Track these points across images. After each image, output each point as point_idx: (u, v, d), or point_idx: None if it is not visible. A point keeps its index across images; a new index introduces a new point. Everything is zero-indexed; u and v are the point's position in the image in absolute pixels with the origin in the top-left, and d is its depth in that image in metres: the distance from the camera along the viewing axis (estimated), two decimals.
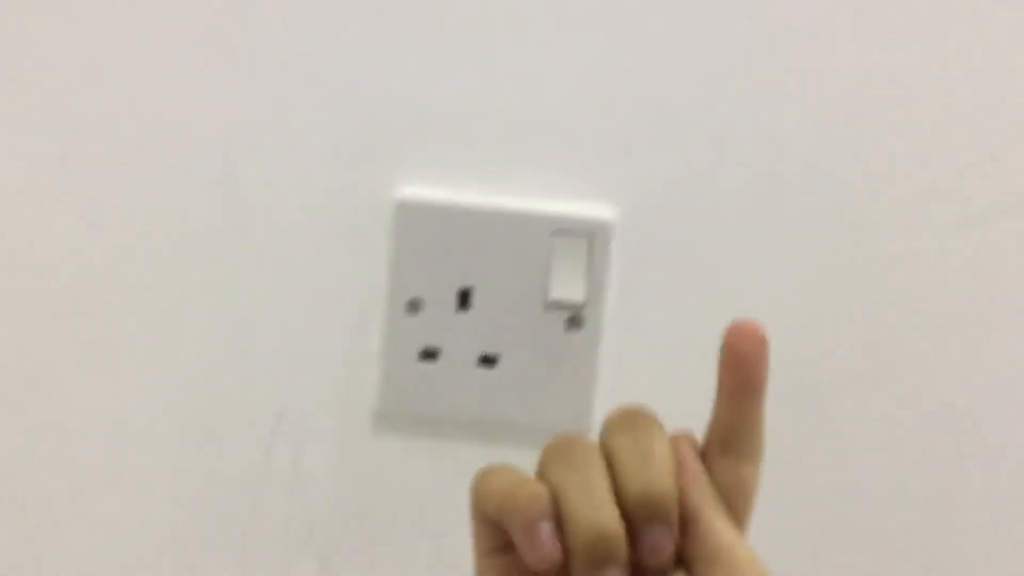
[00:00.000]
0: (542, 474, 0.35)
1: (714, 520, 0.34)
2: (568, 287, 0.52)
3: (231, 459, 0.55)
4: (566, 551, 0.33)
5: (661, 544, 0.33)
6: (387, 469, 0.55)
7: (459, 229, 0.52)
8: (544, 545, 0.33)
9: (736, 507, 0.35)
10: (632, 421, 0.36)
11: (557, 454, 0.35)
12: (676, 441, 0.36)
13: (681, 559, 0.34)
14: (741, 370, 0.35)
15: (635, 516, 0.33)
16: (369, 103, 0.52)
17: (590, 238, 0.52)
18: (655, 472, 0.33)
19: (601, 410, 0.53)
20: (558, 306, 0.52)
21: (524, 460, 0.52)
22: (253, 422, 0.55)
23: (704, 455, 0.36)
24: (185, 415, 0.55)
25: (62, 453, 0.55)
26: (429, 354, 0.53)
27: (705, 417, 0.50)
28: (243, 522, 0.56)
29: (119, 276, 0.53)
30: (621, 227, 0.53)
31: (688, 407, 0.52)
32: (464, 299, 0.53)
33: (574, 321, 0.52)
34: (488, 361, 0.53)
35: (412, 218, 0.52)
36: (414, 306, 0.53)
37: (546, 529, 0.33)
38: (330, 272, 0.54)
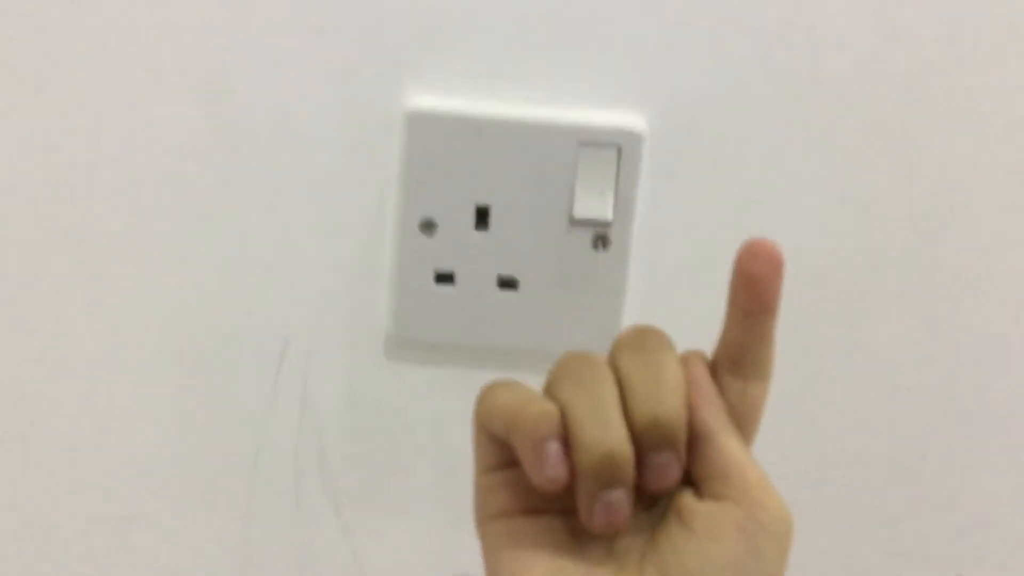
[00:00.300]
0: (551, 392, 0.34)
1: (727, 441, 0.33)
2: (595, 204, 0.48)
3: (237, 387, 0.52)
4: (572, 470, 0.32)
5: (668, 469, 0.33)
6: (400, 397, 0.52)
7: (475, 142, 0.48)
8: (552, 464, 0.32)
9: (743, 425, 0.35)
10: (643, 342, 0.35)
11: (567, 372, 0.34)
12: (689, 360, 0.35)
13: (689, 476, 0.34)
14: (753, 291, 0.34)
15: (643, 439, 0.32)
16: (377, 5, 0.48)
17: (618, 150, 0.48)
18: (665, 397, 0.33)
19: None
20: (584, 224, 0.48)
21: None
22: (260, 348, 0.52)
23: (713, 373, 0.35)
24: (187, 342, 0.52)
25: (60, 385, 0.52)
26: (445, 277, 0.49)
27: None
28: (251, 452, 0.53)
29: (114, 197, 0.49)
30: (651, 138, 0.49)
31: (716, 331, 0.49)
32: (482, 218, 0.49)
33: (601, 240, 0.49)
34: (508, 284, 0.49)
35: (423, 131, 0.48)
36: (428, 226, 0.49)
37: (554, 448, 0.32)
38: (337, 190, 0.50)
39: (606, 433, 0.32)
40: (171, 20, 0.48)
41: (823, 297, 0.51)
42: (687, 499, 0.33)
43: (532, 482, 0.33)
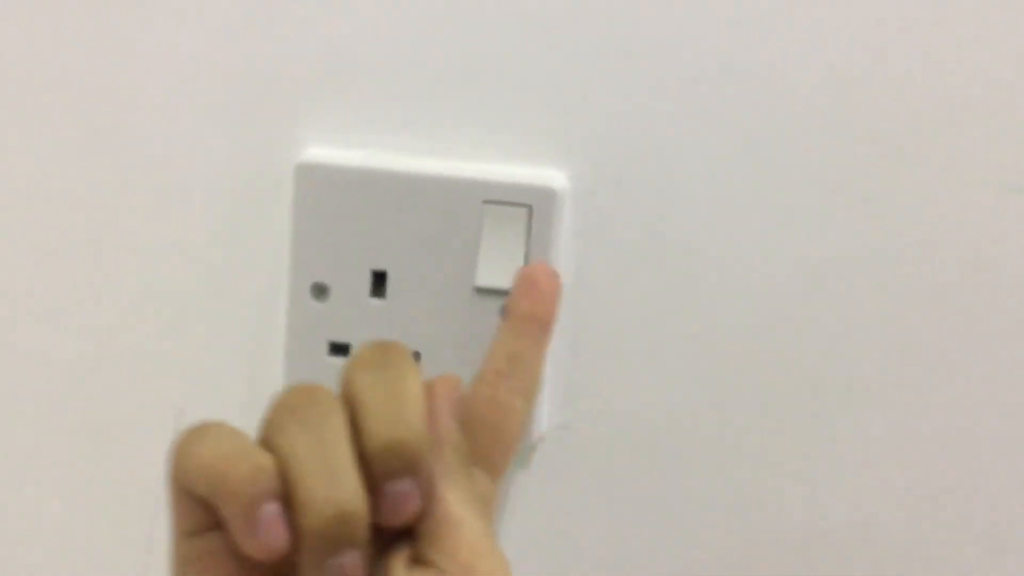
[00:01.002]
0: (267, 437, 0.29)
1: (448, 492, 0.29)
2: (501, 271, 0.42)
3: (129, 459, 0.48)
4: (295, 533, 0.28)
5: (405, 499, 0.29)
6: None
7: (372, 199, 0.43)
8: (267, 531, 0.27)
9: (503, 440, 0.32)
10: (382, 358, 0.31)
11: (287, 412, 0.29)
12: (434, 387, 0.32)
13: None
14: (535, 297, 0.34)
15: (378, 466, 0.28)
16: (264, 46, 0.43)
17: (529, 209, 0.42)
18: (404, 415, 0.29)
19: (544, 417, 0.43)
20: (490, 293, 0.42)
21: None
22: (152, 421, 0.47)
23: (477, 383, 0.33)
24: (75, 414, 0.48)
25: None
26: (339, 348, 0.44)
27: (678, 423, 0.40)
28: (146, 527, 0.48)
29: None
30: (572, 196, 0.43)
31: (654, 413, 0.43)
32: (379, 283, 0.43)
33: None
34: None
35: (315, 184, 0.43)
36: (320, 290, 0.44)
37: (269, 512, 0.27)
38: (226, 249, 0.45)
39: (334, 488, 0.27)
40: (59, 54, 0.44)
41: (775, 379, 0.43)
42: (398, 569, 0.28)
43: (243, 550, 0.28)
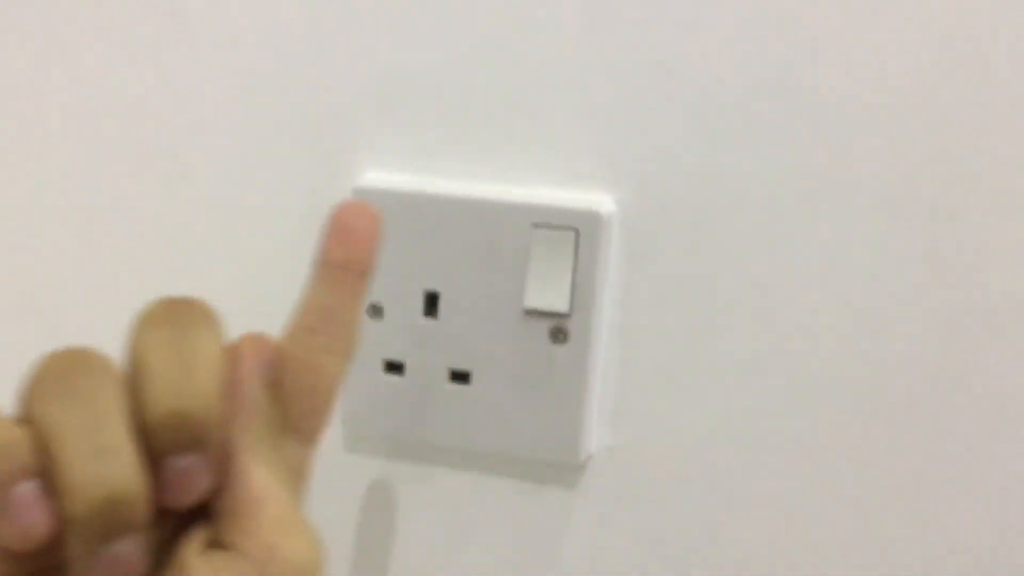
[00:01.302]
0: (27, 409, 0.25)
1: (249, 466, 0.26)
2: (548, 293, 0.43)
3: None
4: (60, 518, 0.24)
5: (189, 477, 0.25)
6: (357, 485, 0.49)
7: (425, 222, 0.44)
8: (22, 516, 0.24)
9: (317, 405, 0.29)
10: (172, 315, 0.27)
11: (52, 379, 0.25)
12: (239, 349, 0.28)
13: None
14: (349, 243, 0.30)
15: (159, 439, 0.25)
16: (327, 76, 0.45)
17: (576, 233, 0.43)
18: (192, 381, 0.25)
19: (593, 438, 0.44)
20: (538, 315, 0.43)
21: (504, 491, 0.44)
22: None
23: (286, 342, 0.29)
24: None
25: None
26: (394, 366, 0.46)
27: (724, 445, 0.40)
28: None
29: (44, 278, 0.49)
30: (619, 220, 0.43)
31: (700, 436, 0.43)
32: (431, 304, 0.45)
33: (558, 333, 0.44)
34: (460, 377, 0.45)
35: None
36: (376, 310, 0.45)
37: (23, 493, 0.24)
38: (288, 267, 0.47)
39: (103, 465, 0.24)
40: (128, 89, 0.47)
41: (826, 415, 0.43)
42: (189, 554, 0.26)
43: None
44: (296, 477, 0.29)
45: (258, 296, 0.48)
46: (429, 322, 0.45)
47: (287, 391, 0.29)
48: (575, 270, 0.43)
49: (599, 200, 0.43)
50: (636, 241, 0.43)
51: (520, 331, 0.44)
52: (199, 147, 0.47)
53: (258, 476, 0.27)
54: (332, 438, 0.48)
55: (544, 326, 0.44)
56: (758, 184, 0.42)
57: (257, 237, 0.47)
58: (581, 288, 0.43)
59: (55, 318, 0.50)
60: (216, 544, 0.26)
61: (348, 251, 0.30)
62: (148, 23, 0.47)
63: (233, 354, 0.28)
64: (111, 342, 0.28)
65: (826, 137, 0.41)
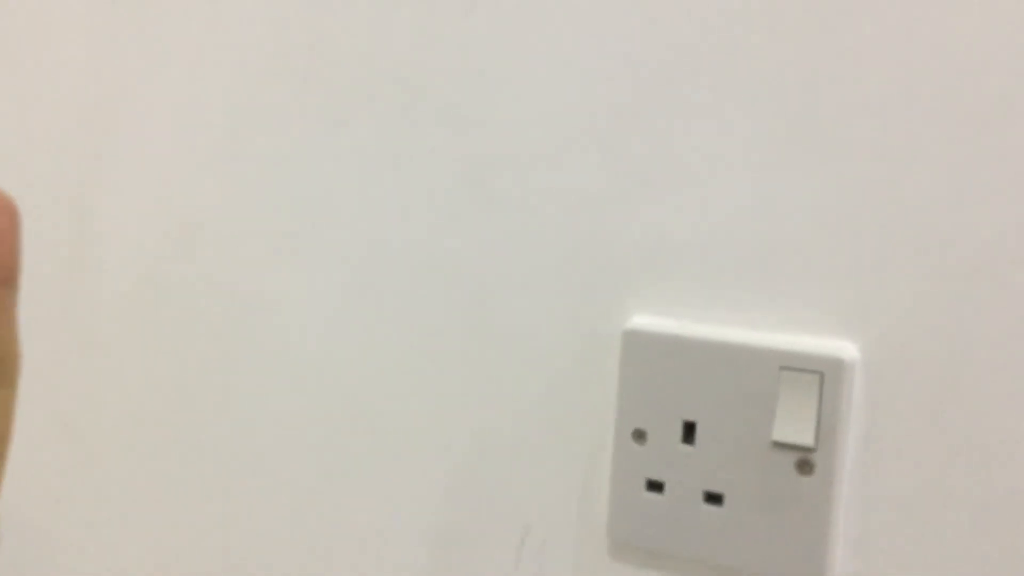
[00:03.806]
0: None
1: None
2: (795, 428, 0.48)
3: (480, 566, 0.58)
4: None
5: None
6: None
7: (685, 361, 0.51)
8: None
9: None
10: None
11: None
12: None
13: None
14: None
15: None
16: (605, 235, 0.54)
17: (820, 376, 0.48)
18: None
19: (837, 564, 0.48)
20: (785, 448, 0.49)
21: None
22: (502, 535, 0.58)
23: None
24: (442, 525, 0.59)
25: (320, 560, 0.62)
26: (655, 485, 0.52)
27: None
28: None
29: (383, 389, 0.60)
30: (864, 366, 0.48)
31: (938, 573, 0.46)
32: (689, 432, 0.51)
33: (804, 465, 0.49)
34: (714, 499, 0.51)
35: (639, 348, 0.52)
36: (640, 435, 0.52)
37: None
38: (568, 396, 0.55)
39: None
40: (433, 244, 0.58)
41: None
42: None
43: None
44: None
45: (543, 416, 0.56)
46: (687, 448, 0.51)
47: None
48: (820, 409, 0.48)
49: (843, 347, 0.48)
50: (878, 386, 0.48)
51: (769, 461, 0.49)
52: (504, 295, 0.57)
53: None
54: (598, 546, 0.55)
55: (791, 458, 0.49)
56: (997, 340, 0.46)
57: (544, 367, 0.56)
58: (826, 425, 0.48)
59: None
60: None
61: None
62: (446, 181, 0.57)
63: None
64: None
65: None
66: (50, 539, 0.73)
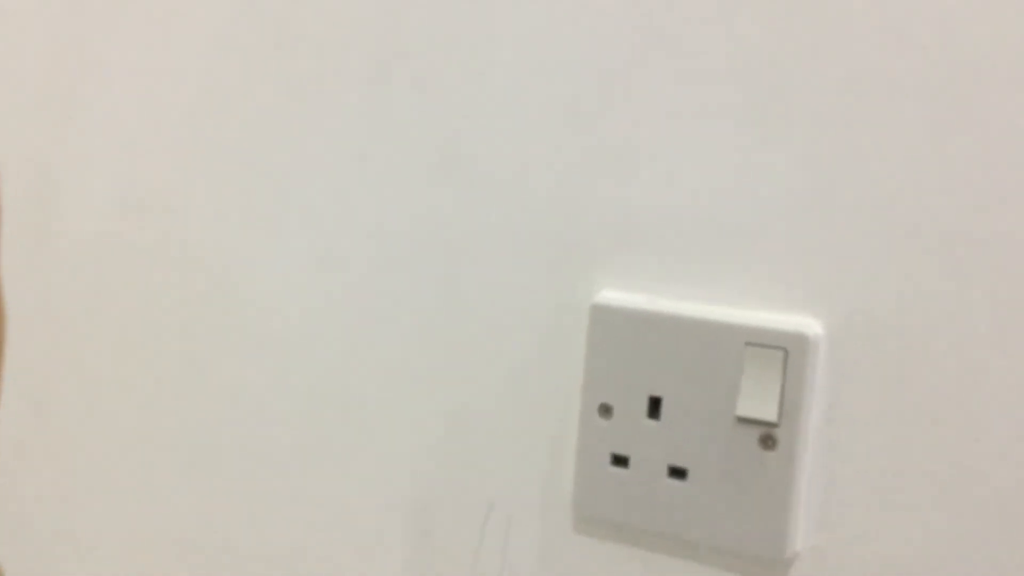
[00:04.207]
0: None
1: None
2: (759, 404, 0.49)
3: (448, 542, 0.58)
4: None
5: None
6: (587, 569, 0.55)
7: (651, 336, 0.51)
8: None
9: None
10: None
11: None
12: None
13: None
14: None
15: None
16: (574, 210, 0.54)
17: (785, 352, 0.48)
18: None
19: (799, 537, 0.49)
20: (749, 423, 0.49)
21: None
22: (468, 509, 0.58)
23: None
24: (408, 501, 0.59)
25: (283, 548, 0.62)
26: (620, 460, 0.52)
27: (925, 555, 0.43)
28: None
29: (349, 364, 0.60)
30: (828, 342, 0.48)
31: (899, 545, 0.47)
32: (655, 407, 0.51)
33: (767, 440, 0.49)
34: (678, 473, 0.51)
35: (606, 322, 0.52)
36: (606, 410, 0.52)
37: None
38: (535, 370, 0.55)
39: None
40: (401, 218, 0.57)
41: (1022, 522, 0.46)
42: None
43: None
44: None
45: (510, 389, 0.56)
46: (652, 423, 0.51)
47: None
48: (784, 385, 0.48)
49: (808, 323, 0.49)
50: (841, 362, 0.48)
51: (733, 436, 0.50)
52: (469, 265, 0.56)
53: None
54: (563, 520, 0.55)
55: (755, 433, 0.49)
56: (956, 320, 0.46)
57: (511, 340, 0.56)
58: (789, 401, 0.48)
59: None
60: None
61: None
62: (415, 154, 0.57)
63: None
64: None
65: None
66: (9, 512, 0.72)
